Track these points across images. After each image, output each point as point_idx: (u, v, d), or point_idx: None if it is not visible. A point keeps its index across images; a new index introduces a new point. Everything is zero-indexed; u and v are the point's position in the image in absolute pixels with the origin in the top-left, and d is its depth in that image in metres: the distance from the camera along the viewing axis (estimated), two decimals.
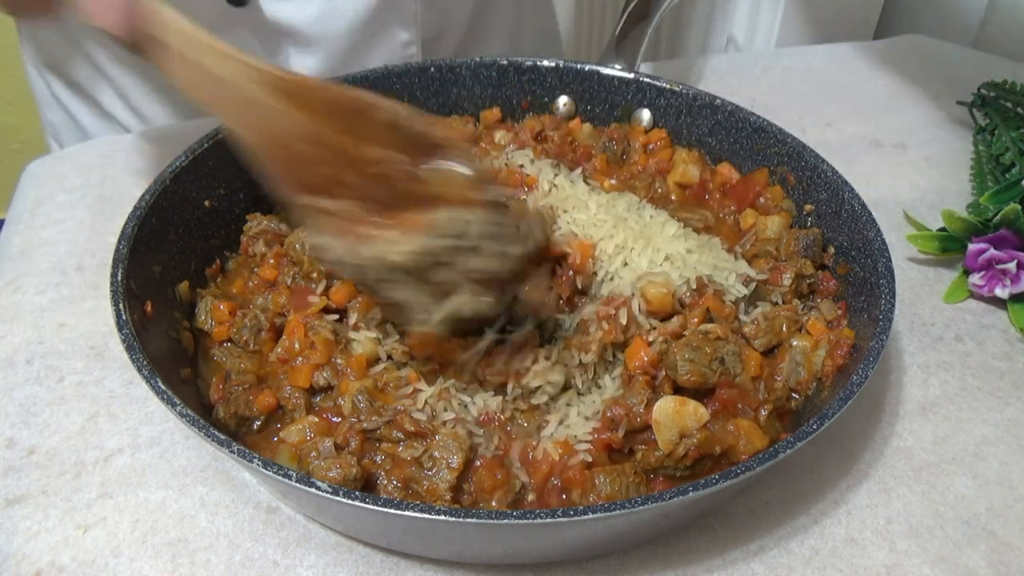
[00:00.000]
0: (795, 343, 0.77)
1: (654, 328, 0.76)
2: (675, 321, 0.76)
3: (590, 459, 0.68)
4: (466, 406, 0.72)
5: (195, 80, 0.62)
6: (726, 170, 0.95)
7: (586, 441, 0.69)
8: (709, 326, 0.75)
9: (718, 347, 0.73)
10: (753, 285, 0.80)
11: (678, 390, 0.73)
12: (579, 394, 0.74)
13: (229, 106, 0.63)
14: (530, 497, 0.68)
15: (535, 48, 1.35)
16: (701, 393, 0.73)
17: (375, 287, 0.67)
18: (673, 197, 0.94)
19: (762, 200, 0.91)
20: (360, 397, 0.71)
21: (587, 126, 1.01)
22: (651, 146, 0.98)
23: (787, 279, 0.81)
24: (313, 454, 0.67)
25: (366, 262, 0.65)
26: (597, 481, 0.67)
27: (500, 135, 0.98)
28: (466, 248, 0.65)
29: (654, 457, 0.69)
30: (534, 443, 0.70)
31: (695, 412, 0.69)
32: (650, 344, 0.74)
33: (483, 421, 0.71)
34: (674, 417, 0.69)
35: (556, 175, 0.89)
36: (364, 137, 0.65)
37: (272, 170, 0.65)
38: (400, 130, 0.66)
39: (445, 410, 0.71)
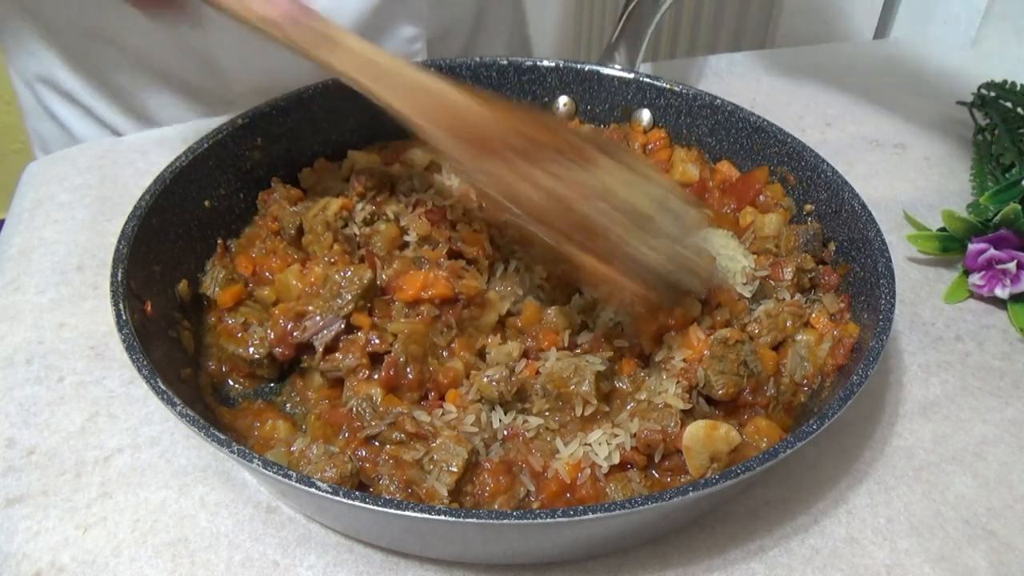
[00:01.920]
0: (799, 337, 0.77)
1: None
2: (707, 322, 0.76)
3: (604, 473, 0.67)
4: (491, 422, 0.71)
5: (364, 69, 0.70)
6: (726, 168, 0.95)
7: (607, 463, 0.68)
8: (725, 332, 0.74)
9: (738, 351, 0.73)
10: (757, 283, 0.80)
11: (709, 402, 0.73)
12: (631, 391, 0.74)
13: (398, 90, 0.70)
14: (535, 505, 0.67)
15: (540, 44, 1.35)
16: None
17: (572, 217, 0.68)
18: None
19: (762, 198, 0.91)
20: (363, 403, 0.71)
21: (586, 127, 1.01)
22: (650, 146, 0.98)
23: (788, 273, 0.81)
24: (310, 455, 0.67)
25: (578, 196, 0.67)
26: (608, 490, 0.67)
27: None
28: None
29: (679, 484, 0.67)
30: (549, 463, 0.68)
31: (726, 436, 0.67)
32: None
33: (507, 437, 0.70)
34: (705, 442, 0.67)
35: None
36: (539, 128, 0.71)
37: (440, 139, 0.69)
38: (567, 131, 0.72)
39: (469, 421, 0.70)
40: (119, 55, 1.09)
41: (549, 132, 0.70)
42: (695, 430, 0.68)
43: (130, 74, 1.11)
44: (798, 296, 0.81)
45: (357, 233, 0.82)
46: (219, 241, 0.85)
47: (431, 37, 1.17)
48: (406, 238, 0.83)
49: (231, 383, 0.79)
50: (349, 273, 0.75)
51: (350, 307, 0.75)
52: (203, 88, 1.11)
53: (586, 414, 0.71)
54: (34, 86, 1.17)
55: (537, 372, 0.74)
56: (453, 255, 0.81)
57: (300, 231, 0.83)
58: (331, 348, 0.75)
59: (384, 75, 0.70)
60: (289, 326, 0.75)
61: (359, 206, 0.85)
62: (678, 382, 0.72)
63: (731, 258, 0.82)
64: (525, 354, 0.76)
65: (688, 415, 0.71)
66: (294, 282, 0.78)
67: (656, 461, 0.69)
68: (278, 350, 0.75)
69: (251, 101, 1.10)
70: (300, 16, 0.69)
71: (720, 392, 0.71)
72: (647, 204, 0.69)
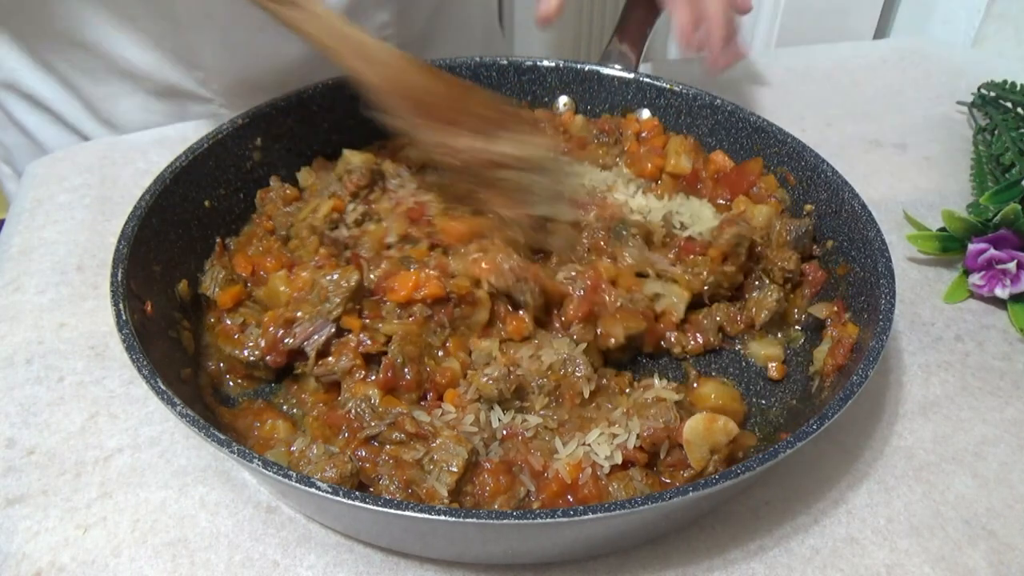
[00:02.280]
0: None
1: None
2: None
3: (606, 472, 0.68)
4: (491, 421, 0.71)
5: (327, 33, 0.78)
6: (720, 159, 0.95)
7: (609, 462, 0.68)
8: None
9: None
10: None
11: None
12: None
13: (354, 54, 0.79)
14: (535, 505, 0.67)
15: (529, 39, 1.34)
16: None
17: (485, 174, 0.82)
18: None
19: (756, 189, 0.91)
20: (362, 404, 0.71)
21: (579, 118, 1.01)
22: (644, 134, 0.98)
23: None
24: (309, 455, 0.67)
25: (493, 154, 0.81)
26: (611, 488, 0.67)
27: None
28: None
29: (682, 478, 0.68)
30: (549, 462, 0.68)
31: (724, 427, 0.68)
32: None
33: (507, 436, 0.70)
34: (704, 435, 0.68)
35: None
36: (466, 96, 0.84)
37: (390, 102, 0.80)
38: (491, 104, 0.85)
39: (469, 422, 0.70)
40: (90, 57, 1.06)
41: (480, 104, 0.84)
42: (694, 423, 0.68)
43: (101, 76, 1.09)
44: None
45: (346, 235, 0.82)
46: (218, 240, 0.85)
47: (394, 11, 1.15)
48: (388, 239, 0.83)
49: (231, 383, 0.79)
50: (336, 276, 0.75)
51: (339, 310, 0.74)
52: (178, 87, 1.09)
53: (591, 391, 0.73)
54: None
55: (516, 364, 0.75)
56: (435, 248, 0.81)
57: None
58: (323, 353, 0.75)
59: (343, 38, 0.78)
60: (280, 333, 0.75)
61: (351, 206, 0.85)
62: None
63: (697, 218, 0.85)
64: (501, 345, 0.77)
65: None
66: (282, 288, 0.78)
67: (662, 457, 0.69)
68: (270, 358, 0.75)
69: (226, 98, 1.09)
70: None
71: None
72: (535, 157, 0.84)
